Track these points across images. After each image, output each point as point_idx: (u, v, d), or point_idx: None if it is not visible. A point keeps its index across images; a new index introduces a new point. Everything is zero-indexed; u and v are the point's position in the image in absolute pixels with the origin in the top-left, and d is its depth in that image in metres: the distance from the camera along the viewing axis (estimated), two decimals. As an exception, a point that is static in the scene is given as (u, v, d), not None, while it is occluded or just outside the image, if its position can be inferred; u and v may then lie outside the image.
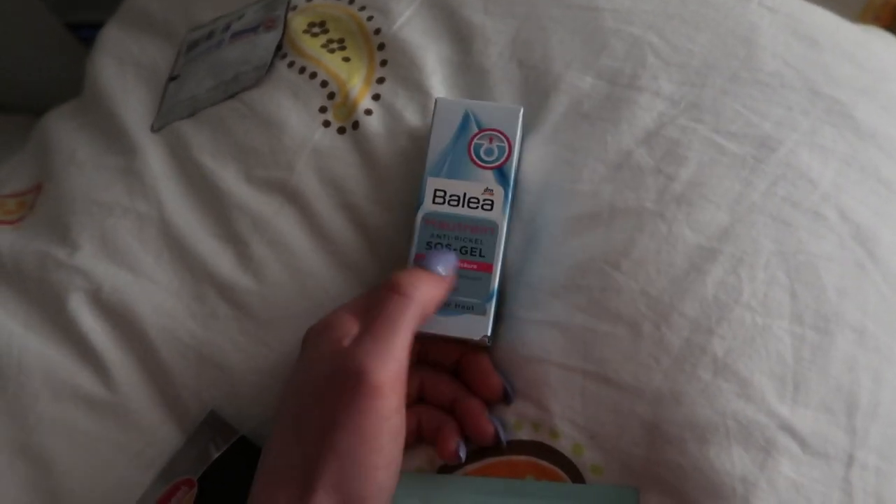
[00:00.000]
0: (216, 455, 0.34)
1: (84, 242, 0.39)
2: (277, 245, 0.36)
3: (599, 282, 0.31)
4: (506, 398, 0.32)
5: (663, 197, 0.32)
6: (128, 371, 0.36)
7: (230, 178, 0.38)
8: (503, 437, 0.31)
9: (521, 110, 0.34)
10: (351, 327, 0.28)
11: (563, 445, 0.31)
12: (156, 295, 0.37)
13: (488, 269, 0.32)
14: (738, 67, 0.35)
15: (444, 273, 0.31)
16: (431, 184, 0.33)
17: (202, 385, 0.36)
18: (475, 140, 0.33)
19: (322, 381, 0.27)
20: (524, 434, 0.31)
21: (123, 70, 0.49)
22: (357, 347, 0.27)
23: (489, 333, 0.32)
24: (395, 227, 0.36)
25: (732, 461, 0.29)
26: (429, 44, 0.39)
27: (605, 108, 0.35)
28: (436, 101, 0.34)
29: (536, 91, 0.36)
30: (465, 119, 0.34)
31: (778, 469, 0.28)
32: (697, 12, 0.37)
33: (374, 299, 0.29)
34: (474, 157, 0.33)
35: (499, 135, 0.33)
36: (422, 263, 0.31)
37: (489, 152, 0.33)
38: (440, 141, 0.34)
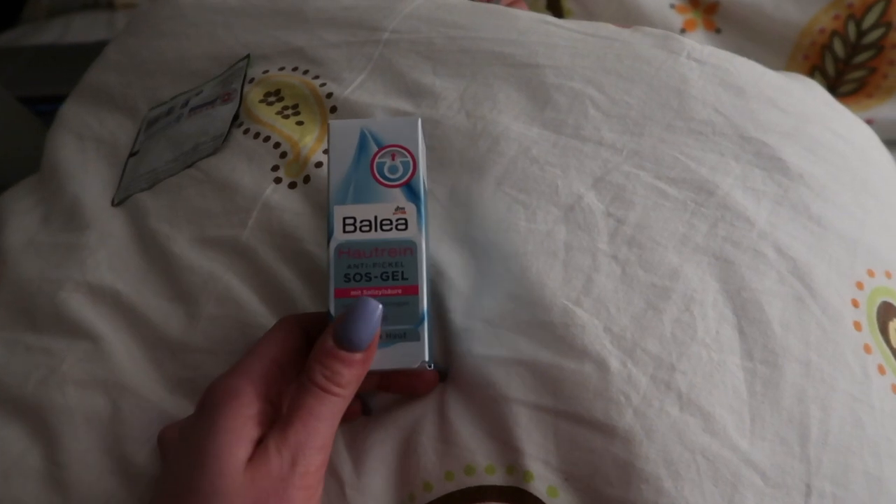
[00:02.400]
0: None
1: (42, 321, 0.39)
2: (227, 301, 0.36)
3: (563, 318, 0.32)
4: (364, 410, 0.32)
5: (615, 239, 0.34)
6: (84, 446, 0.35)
7: (183, 241, 0.38)
8: (371, 404, 0.32)
9: (419, 120, 0.32)
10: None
11: (538, 488, 0.30)
12: (117, 362, 0.36)
13: (414, 291, 0.30)
14: (673, 117, 0.37)
15: (368, 341, 0.27)
16: (339, 212, 0.30)
17: None
18: (377, 159, 0.31)
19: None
20: (497, 479, 0.31)
21: (83, 146, 0.50)
22: (284, 441, 0.25)
23: (427, 358, 0.29)
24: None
25: (704, 497, 0.29)
26: (380, 104, 0.40)
27: (552, 154, 0.36)
28: (329, 124, 0.32)
29: (485, 136, 0.37)
30: (363, 139, 0.31)
31: (744, 503, 0.29)
32: (632, 67, 0.39)
33: (287, 383, 0.28)
34: (378, 177, 0.31)
35: (401, 150, 0.31)
36: (341, 335, 0.27)
37: (393, 169, 0.31)
38: (341, 166, 0.31)
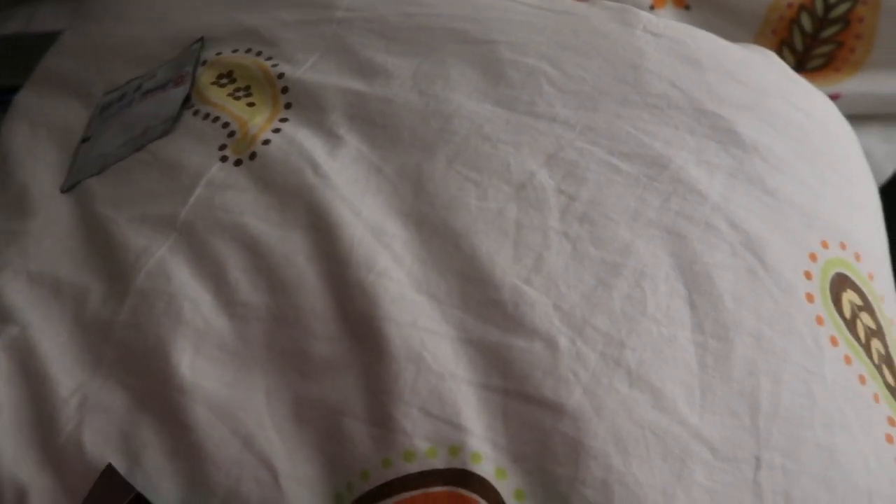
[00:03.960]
0: None
1: None
2: (157, 275, 0.35)
3: (513, 297, 0.31)
4: None
5: (566, 216, 0.33)
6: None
7: (122, 221, 0.38)
8: None
9: None
10: None
11: (486, 470, 0.29)
12: (48, 349, 0.35)
13: None
14: (628, 91, 0.36)
15: None
16: None
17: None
18: None
19: None
20: (439, 462, 0.29)
21: (35, 133, 0.49)
22: None
23: None
24: (289, 243, 0.34)
25: (653, 473, 0.29)
26: (331, 83, 0.39)
27: (505, 131, 0.36)
28: None
29: (437, 115, 0.37)
30: None
31: (693, 478, 0.29)
32: (587, 41, 0.38)
33: None
34: None
35: None
36: None
37: None
38: None
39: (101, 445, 0.31)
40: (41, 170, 0.45)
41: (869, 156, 0.60)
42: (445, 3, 0.41)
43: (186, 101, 0.42)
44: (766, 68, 0.40)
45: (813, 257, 0.34)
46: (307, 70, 0.41)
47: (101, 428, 0.32)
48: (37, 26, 0.97)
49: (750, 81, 0.38)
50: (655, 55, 0.38)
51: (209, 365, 0.32)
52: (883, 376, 0.34)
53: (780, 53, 0.65)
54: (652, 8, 0.65)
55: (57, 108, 0.50)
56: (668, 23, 0.40)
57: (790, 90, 0.39)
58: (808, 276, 0.33)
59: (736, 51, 0.39)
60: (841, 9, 0.61)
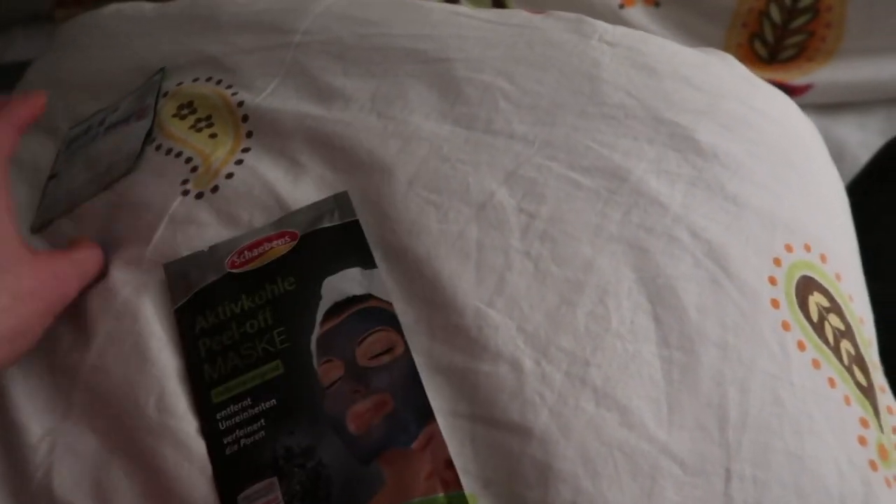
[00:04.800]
0: (327, 225, 0.34)
1: None
2: (124, 316, 0.35)
3: (476, 321, 0.31)
4: None
5: (527, 235, 0.33)
6: None
7: None
8: None
9: None
10: None
11: None
12: (18, 394, 0.35)
13: None
14: (585, 103, 0.36)
15: None
16: None
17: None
18: None
19: None
20: None
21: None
22: None
23: None
24: None
25: (623, 492, 0.29)
26: (290, 109, 0.39)
27: (464, 151, 0.36)
28: None
29: (396, 137, 0.37)
30: None
31: (664, 495, 0.29)
32: (543, 54, 0.38)
33: None
34: None
35: None
36: None
37: None
38: None
39: (71, 490, 0.31)
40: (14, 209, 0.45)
41: (844, 145, 0.61)
42: (401, 23, 0.41)
43: (149, 136, 0.42)
44: (723, 71, 0.39)
45: (777, 262, 0.33)
46: (267, 97, 0.41)
47: (71, 473, 0.32)
48: (11, 55, 0.97)
49: (706, 86, 0.37)
50: (611, 65, 0.37)
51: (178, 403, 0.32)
52: (854, 377, 0.34)
53: (751, 46, 0.65)
54: (622, 6, 0.65)
55: (26, 144, 0.50)
56: (624, 31, 0.39)
57: (747, 92, 0.38)
58: (772, 281, 0.33)
59: (691, 55, 0.39)
60: (809, -1, 0.61)
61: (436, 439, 0.30)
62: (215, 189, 0.37)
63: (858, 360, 0.35)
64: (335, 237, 0.34)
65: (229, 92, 0.42)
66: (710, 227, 0.33)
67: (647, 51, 0.38)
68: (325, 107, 0.39)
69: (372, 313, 0.32)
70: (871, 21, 0.58)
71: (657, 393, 0.30)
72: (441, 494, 0.29)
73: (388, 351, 0.32)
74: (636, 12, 0.65)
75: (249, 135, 0.40)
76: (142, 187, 0.39)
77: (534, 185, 0.34)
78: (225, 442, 0.31)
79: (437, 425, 0.30)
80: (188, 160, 0.39)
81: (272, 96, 0.40)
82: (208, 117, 0.41)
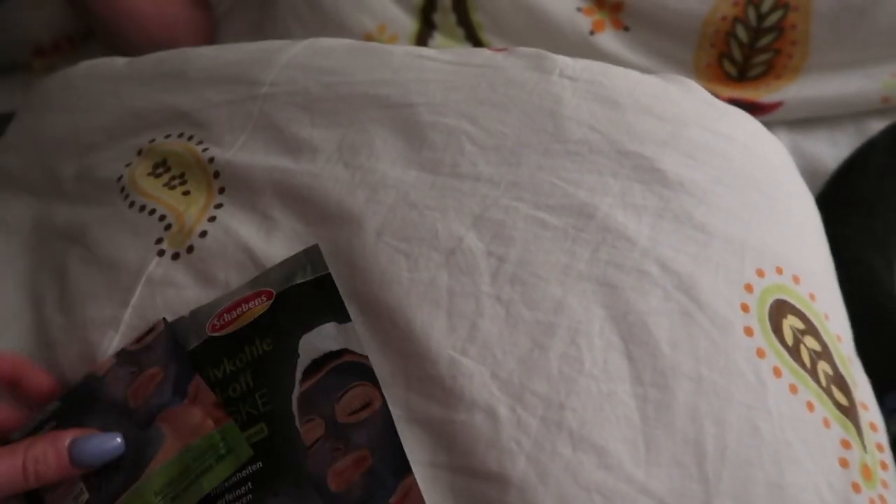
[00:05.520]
0: (300, 281, 0.35)
1: None
2: None
3: (450, 370, 0.31)
4: None
5: (497, 279, 0.33)
6: None
7: (68, 326, 0.38)
8: None
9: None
10: None
11: None
12: None
13: None
14: (549, 141, 0.37)
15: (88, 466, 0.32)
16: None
17: None
18: None
19: None
20: None
21: None
22: None
23: None
24: None
25: None
26: (260, 163, 0.40)
27: (431, 196, 0.36)
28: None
29: (363, 186, 0.37)
30: None
31: None
32: (505, 94, 0.38)
33: None
34: None
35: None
36: (75, 447, 0.32)
37: None
38: None
39: None
40: None
41: (816, 159, 0.61)
42: (364, 69, 0.42)
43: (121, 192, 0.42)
44: (684, 97, 0.40)
45: (749, 288, 0.33)
46: (236, 151, 0.41)
47: None
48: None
49: (668, 114, 0.38)
50: (573, 100, 0.38)
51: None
52: (833, 397, 0.34)
53: (720, 65, 0.66)
54: (592, 33, 0.66)
55: (7, 205, 0.50)
56: (585, 64, 0.40)
57: (711, 117, 0.39)
58: (745, 308, 0.33)
59: (653, 84, 0.40)
60: (773, 17, 0.62)
61: (413, 492, 0.30)
62: (190, 249, 0.37)
63: (837, 379, 0.34)
64: (309, 293, 0.34)
65: (200, 148, 0.42)
66: (679, 258, 0.33)
67: (608, 83, 0.38)
68: (293, 159, 0.39)
69: (349, 368, 0.32)
70: (836, 37, 0.59)
71: (633, 432, 0.30)
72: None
73: (367, 406, 0.32)
74: (606, 38, 0.65)
75: (222, 190, 0.40)
76: (115, 245, 0.39)
77: (502, 228, 0.34)
78: None
79: (413, 478, 0.30)
80: (162, 217, 0.39)
81: (241, 150, 0.41)
82: (182, 175, 0.42)
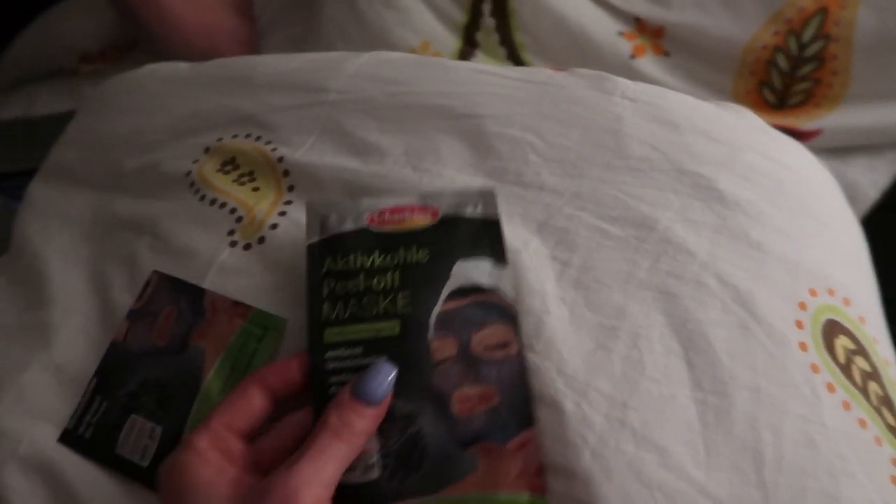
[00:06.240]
0: (469, 215, 0.36)
1: (2, 402, 0.39)
2: None
3: None
4: None
5: (561, 281, 0.34)
6: None
7: None
8: None
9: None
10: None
11: None
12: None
13: None
14: (611, 156, 0.38)
15: (381, 398, 0.30)
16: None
17: None
18: None
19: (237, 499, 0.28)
20: None
21: (48, 222, 0.51)
22: (291, 475, 0.28)
23: None
24: (298, 326, 0.36)
25: None
26: (329, 164, 0.41)
27: (498, 202, 0.37)
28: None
29: (432, 188, 0.38)
30: None
31: None
32: (568, 111, 0.40)
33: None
34: None
35: None
36: (357, 389, 0.30)
37: None
38: None
39: None
40: (56, 259, 0.46)
41: (855, 186, 0.62)
42: (428, 81, 0.43)
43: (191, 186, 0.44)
44: (739, 123, 0.41)
45: (802, 306, 0.35)
46: (305, 152, 0.43)
47: None
48: (38, 109, 1.00)
49: (724, 138, 0.39)
50: (633, 120, 0.39)
51: None
52: (883, 418, 0.34)
53: (759, 93, 0.67)
54: (633, 57, 0.67)
55: (69, 198, 0.52)
56: (644, 87, 0.41)
57: (763, 142, 0.40)
58: (799, 325, 0.34)
59: (708, 109, 0.41)
60: (814, 48, 0.63)
61: (531, 445, 0.31)
62: (262, 240, 0.39)
63: (886, 401, 0.35)
64: (474, 227, 0.35)
65: (269, 148, 0.44)
66: (736, 273, 0.34)
67: (667, 106, 0.40)
68: (361, 161, 0.41)
69: (494, 307, 0.33)
70: (877, 68, 0.60)
71: (693, 436, 0.31)
72: (526, 494, 0.30)
73: (503, 346, 0.32)
74: (646, 62, 0.67)
75: (291, 188, 0.42)
76: (187, 236, 0.41)
77: (565, 234, 0.36)
78: (329, 382, 0.32)
79: (535, 432, 0.31)
80: (232, 210, 0.41)
81: (310, 151, 0.43)
82: (251, 172, 0.43)
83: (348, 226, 0.36)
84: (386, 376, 0.31)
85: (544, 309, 0.34)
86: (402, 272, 0.34)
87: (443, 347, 0.32)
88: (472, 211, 0.36)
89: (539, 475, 0.30)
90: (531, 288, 0.34)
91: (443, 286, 0.33)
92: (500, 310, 0.33)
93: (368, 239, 0.35)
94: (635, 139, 0.38)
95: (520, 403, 0.32)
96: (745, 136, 0.40)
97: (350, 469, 0.30)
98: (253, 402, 0.31)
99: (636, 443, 0.30)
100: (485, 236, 0.35)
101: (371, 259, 0.34)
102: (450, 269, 0.34)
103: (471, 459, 0.30)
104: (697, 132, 0.39)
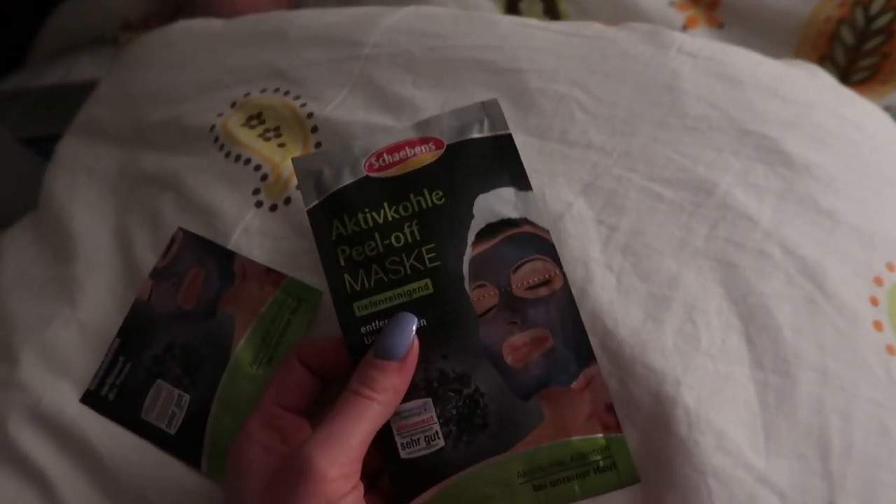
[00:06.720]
0: (476, 136, 0.32)
1: (24, 357, 0.38)
2: None
3: None
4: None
5: (608, 248, 0.32)
6: (72, 482, 0.34)
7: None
8: None
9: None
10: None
11: None
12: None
13: None
14: (665, 114, 0.35)
15: (402, 351, 0.28)
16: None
17: (149, 487, 0.33)
18: None
19: (271, 477, 0.27)
20: None
21: (75, 177, 0.50)
22: (306, 441, 0.26)
23: None
24: (325, 289, 0.34)
25: None
26: (360, 120, 0.39)
27: (538, 161, 0.35)
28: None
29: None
30: None
31: None
32: (619, 65, 0.37)
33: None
34: None
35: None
36: (378, 345, 0.28)
37: None
38: None
39: None
40: (82, 213, 0.45)
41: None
42: (469, 35, 0.41)
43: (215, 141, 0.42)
44: (810, 82, 0.38)
45: (878, 281, 0.31)
46: (335, 108, 0.40)
47: None
48: (76, 76, 1.00)
49: (793, 97, 0.36)
50: (692, 76, 0.36)
51: None
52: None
53: (821, 67, 0.63)
54: (685, 28, 0.64)
55: (98, 154, 0.51)
56: (704, 42, 0.38)
57: (838, 102, 0.37)
58: (873, 301, 0.31)
59: (776, 66, 0.38)
60: (883, 20, 0.58)
61: (596, 381, 0.28)
62: (288, 201, 0.37)
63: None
64: (485, 150, 0.32)
65: (297, 103, 0.42)
66: (804, 243, 0.31)
67: (729, 61, 0.37)
68: (393, 117, 0.38)
69: (527, 240, 0.30)
70: (952, 42, 0.56)
71: (752, 418, 0.28)
72: (601, 436, 0.28)
73: (546, 283, 0.30)
74: (699, 34, 0.63)
75: (318, 145, 0.39)
76: (211, 192, 0.39)
77: (613, 197, 0.33)
78: None
79: (597, 367, 0.29)
80: (257, 167, 0.39)
81: (340, 107, 0.40)
82: (277, 128, 0.41)
83: (346, 178, 0.32)
84: (405, 327, 0.28)
85: (587, 278, 0.31)
86: (419, 222, 0.31)
87: (483, 297, 0.30)
88: (479, 130, 0.32)
89: (610, 412, 0.28)
90: (572, 255, 0.31)
91: (467, 229, 0.30)
92: (535, 242, 0.30)
93: (372, 189, 0.32)
94: (693, 96, 0.35)
95: (576, 341, 0.29)
96: (816, 94, 0.36)
97: (412, 444, 0.28)
98: (299, 376, 0.30)
99: (689, 424, 0.28)
100: (499, 158, 0.32)
101: (382, 213, 0.31)
102: (470, 206, 0.31)
103: (536, 409, 0.28)
104: (763, 89, 0.35)
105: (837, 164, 0.34)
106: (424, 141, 0.32)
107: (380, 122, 0.38)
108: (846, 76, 0.62)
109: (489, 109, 0.33)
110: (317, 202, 0.32)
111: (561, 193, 0.33)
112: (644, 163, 0.34)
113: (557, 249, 0.31)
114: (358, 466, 0.26)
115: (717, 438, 0.27)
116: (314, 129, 0.40)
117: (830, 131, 0.35)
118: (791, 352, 0.29)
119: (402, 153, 0.32)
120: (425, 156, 0.32)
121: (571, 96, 0.36)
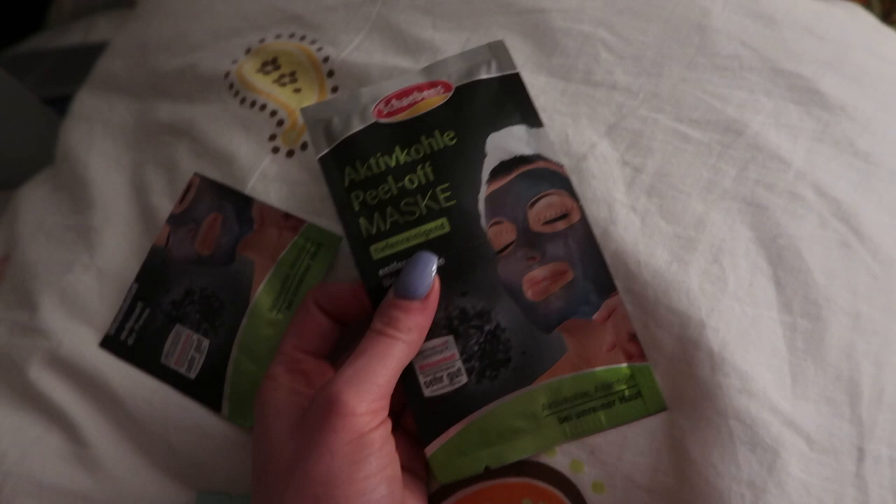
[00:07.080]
0: (483, 77, 0.32)
1: (44, 302, 0.38)
2: None
3: None
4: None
5: (632, 189, 0.31)
6: (95, 422, 0.35)
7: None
8: None
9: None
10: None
11: (560, 462, 0.28)
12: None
13: None
14: (694, 54, 0.34)
15: (423, 290, 0.28)
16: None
17: (170, 429, 0.34)
18: None
19: (300, 416, 0.27)
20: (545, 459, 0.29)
21: (91, 129, 0.50)
22: (333, 379, 0.26)
23: None
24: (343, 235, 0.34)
25: (738, 465, 0.26)
26: (377, 63, 0.38)
27: (561, 102, 0.34)
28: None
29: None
30: None
31: (787, 470, 0.26)
32: (647, 3, 0.35)
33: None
34: None
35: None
36: (398, 285, 0.28)
37: None
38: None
39: None
40: (98, 162, 0.45)
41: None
42: (492, -26, 0.39)
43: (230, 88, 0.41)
44: (848, 20, 0.36)
45: (915, 226, 0.30)
46: (352, 51, 0.39)
47: None
48: (95, 37, 1.00)
49: (830, 35, 0.34)
50: (723, 13, 0.34)
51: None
52: None
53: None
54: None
55: (113, 105, 0.51)
56: (737, -22, 0.36)
57: (878, 42, 0.35)
58: (909, 246, 0.29)
59: (813, 4, 0.36)
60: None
61: (618, 312, 0.28)
62: (304, 146, 0.36)
63: None
64: (494, 90, 0.32)
65: (314, 47, 0.41)
66: (838, 185, 0.30)
67: (763, -1, 0.35)
68: (413, 59, 0.37)
69: (542, 175, 0.30)
70: None
71: (779, 361, 0.27)
72: (625, 365, 0.28)
73: (563, 217, 0.29)
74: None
75: (335, 89, 0.38)
76: (227, 139, 0.39)
77: (639, 138, 0.32)
78: None
79: (619, 298, 0.28)
80: (273, 113, 0.38)
81: (357, 50, 0.39)
82: (292, 73, 0.40)
83: (356, 125, 0.32)
84: (426, 266, 0.28)
85: (610, 219, 0.30)
86: (432, 163, 0.30)
87: (500, 233, 0.29)
88: (487, 71, 0.32)
89: (633, 341, 0.28)
90: (595, 195, 0.31)
91: (481, 167, 0.30)
92: (550, 177, 0.30)
93: (383, 134, 0.31)
94: (724, 34, 0.34)
95: (596, 272, 0.28)
96: (854, 33, 0.35)
97: (435, 381, 0.28)
98: (318, 321, 0.30)
99: (713, 366, 0.27)
100: (509, 97, 0.31)
101: (394, 157, 0.31)
102: (483, 145, 0.30)
103: (559, 341, 0.28)
104: (798, 27, 0.34)
105: (875, 106, 0.32)
106: (433, 84, 0.32)
107: (398, 65, 0.37)
108: (888, 15, 0.59)
109: (496, 50, 0.32)
110: (327, 150, 0.32)
111: (584, 135, 0.32)
112: (671, 103, 0.32)
113: (580, 191, 0.30)
114: (386, 403, 0.26)
115: (741, 381, 0.26)
116: (330, 74, 0.39)
117: (869, 71, 0.33)
118: (822, 295, 0.28)
119: (410, 97, 0.32)
120: (434, 99, 0.31)
121: (597, 36, 0.35)
